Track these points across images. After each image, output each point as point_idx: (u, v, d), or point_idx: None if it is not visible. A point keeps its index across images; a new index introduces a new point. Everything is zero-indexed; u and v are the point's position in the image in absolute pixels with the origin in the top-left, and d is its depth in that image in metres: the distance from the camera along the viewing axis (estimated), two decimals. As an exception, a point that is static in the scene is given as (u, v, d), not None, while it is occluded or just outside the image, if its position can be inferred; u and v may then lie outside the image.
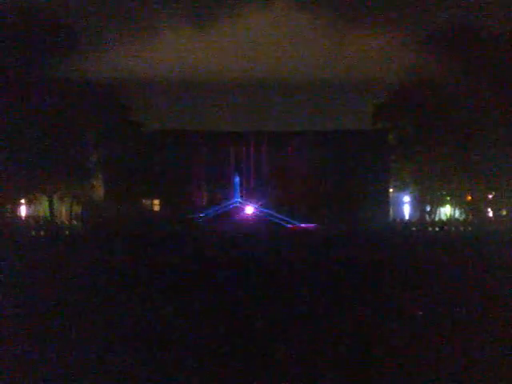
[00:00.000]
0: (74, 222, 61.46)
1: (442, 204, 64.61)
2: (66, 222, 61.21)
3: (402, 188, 65.75)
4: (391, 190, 66.79)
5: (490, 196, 62.99)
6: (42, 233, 55.65)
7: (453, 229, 58.66)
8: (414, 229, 59.34)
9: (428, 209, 64.08)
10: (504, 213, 62.73)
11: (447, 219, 63.30)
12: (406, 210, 67.84)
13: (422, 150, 60.66)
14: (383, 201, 64.92)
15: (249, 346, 12.53)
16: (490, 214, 63.74)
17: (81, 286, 21.89)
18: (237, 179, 65.39)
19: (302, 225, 60.85)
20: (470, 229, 58.09)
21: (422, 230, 57.72)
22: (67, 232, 56.97)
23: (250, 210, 64.33)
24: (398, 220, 64.41)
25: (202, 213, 63.10)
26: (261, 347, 12.46)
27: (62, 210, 63.85)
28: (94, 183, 61.65)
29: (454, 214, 64.27)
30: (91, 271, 26.59)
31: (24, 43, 53.33)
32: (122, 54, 60.44)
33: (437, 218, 63.53)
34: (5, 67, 52.90)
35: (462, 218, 62.83)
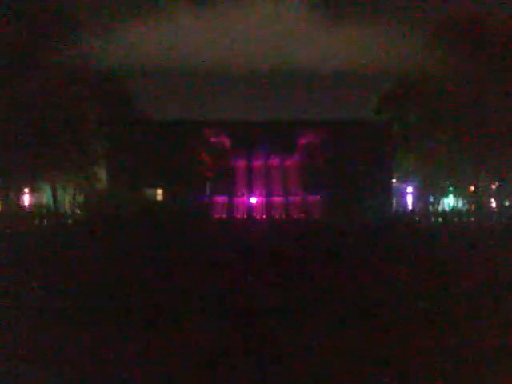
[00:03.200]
0: (77, 211, 61.53)
1: (445, 194, 64.58)
2: (69, 211, 61.27)
3: (405, 178, 65.73)
4: (394, 181, 66.76)
5: (494, 186, 62.95)
6: (45, 222, 55.75)
7: (455, 219, 58.54)
8: (416, 219, 59.31)
9: (431, 199, 64.04)
10: (507, 203, 62.68)
11: (450, 210, 63.24)
12: (409, 201, 67.81)
13: (425, 141, 60.53)
14: (386, 191, 64.85)
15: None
16: (494, 204, 63.73)
17: (84, 275, 21.94)
18: (241, 170, 65.39)
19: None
20: (472, 219, 58.00)
21: (425, 221, 57.68)
22: (70, 221, 57.10)
23: (253, 200, 64.52)
24: (400, 210, 64.37)
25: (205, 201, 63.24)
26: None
27: (65, 200, 63.93)
28: (97, 172, 61.62)
29: (457, 204, 64.22)
30: (93, 261, 26.63)
31: (29, 31, 53.22)
32: (128, 42, 60.36)
33: (440, 209, 63.51)
34: (9, 55, 52.80)
35: (464, 209, 62.78)
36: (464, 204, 63.88)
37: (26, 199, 63.95)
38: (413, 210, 64.74)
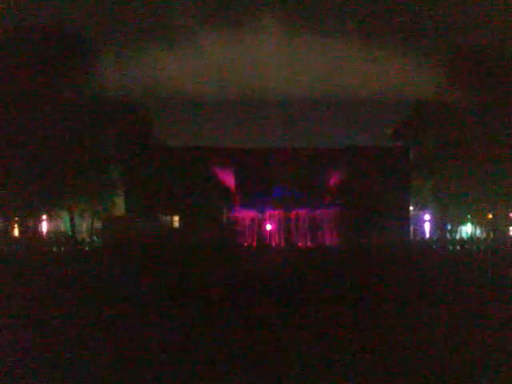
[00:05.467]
0: (95, 238, 61.76)
1: (463, 222, 64.11)
2: (87, 238, 61.52)
3: (422, 206, 65.35)
4: (412, 208, 66.41)
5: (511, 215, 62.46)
6: (62, 248, 56.00)
7: (474, 247, 58.01)
8: (434, 247, 58.88)
9: (449, 227, 63.60)
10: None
11: (468, 238, 62.75)
12: (427, 228, 67.39)
13: (443, 168, 60.31)
14: (404, 218, 64.39)
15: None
16: (512, 232, 63.25)
17: (99, 301, 21.98)
18: (256, 196, 65.38)
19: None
20: (490, 247, 57.43)
21: (443, 249, 57.24)
22: (87, 248, 57.35)
23: (269, 227, 64.47)
24: (418, 238, 63.97)
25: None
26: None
27: (83, 226, 64.21)
28: (115, 199, 61.88)
29: (475, 232, 63.75)
30: (110, 288, 26.68)
31: (46, 60, 53.98)
32: (146, 69, 60.85)
33: (457, 237, 63.04)
34: (27, 84, 53.51)
35: (482, 237, 62.26)
36: (482, 232, 63.39)
37: (44, 226, 64.32)
38: (430, 238, 64.32)
